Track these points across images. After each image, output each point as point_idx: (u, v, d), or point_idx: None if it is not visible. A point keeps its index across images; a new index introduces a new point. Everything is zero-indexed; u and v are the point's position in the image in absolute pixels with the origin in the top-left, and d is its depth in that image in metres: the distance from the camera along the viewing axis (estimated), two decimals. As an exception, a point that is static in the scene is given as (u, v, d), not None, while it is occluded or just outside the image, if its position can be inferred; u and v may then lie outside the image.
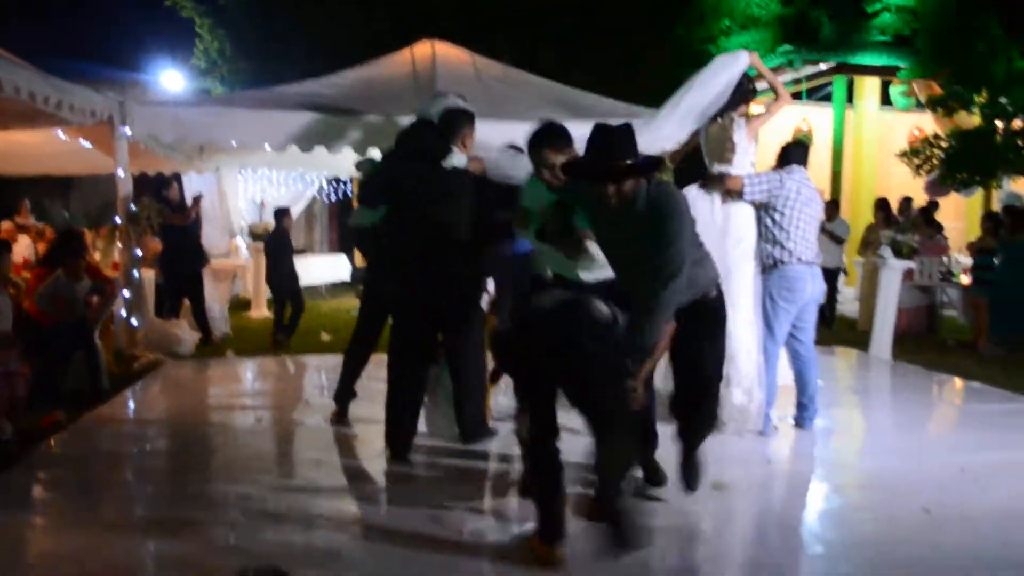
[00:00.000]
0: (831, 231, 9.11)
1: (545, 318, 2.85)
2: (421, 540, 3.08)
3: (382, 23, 14.20)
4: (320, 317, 9.38)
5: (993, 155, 9.44)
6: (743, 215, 4.63)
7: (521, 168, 3.84)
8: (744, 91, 4.91)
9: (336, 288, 12.97)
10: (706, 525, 2.83)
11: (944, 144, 10.05)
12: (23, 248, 9.20)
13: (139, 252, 6.99)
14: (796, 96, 13.00)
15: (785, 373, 4.79)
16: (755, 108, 5.10)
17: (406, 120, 6.06)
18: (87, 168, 9.96)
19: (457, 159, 4.07)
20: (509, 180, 4.00)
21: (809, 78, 13.52)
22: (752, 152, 4.84)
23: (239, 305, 10.24)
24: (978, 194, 11.89)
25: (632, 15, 13.79)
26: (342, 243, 16.71)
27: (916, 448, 4.52)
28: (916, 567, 2.85)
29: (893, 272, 7.28)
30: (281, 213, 8.37)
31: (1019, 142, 9.52)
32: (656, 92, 6.28)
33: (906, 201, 9.91)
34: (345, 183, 14.12)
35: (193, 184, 9.89)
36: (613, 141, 2.95)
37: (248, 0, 15.50)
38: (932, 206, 9.91)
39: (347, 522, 3.38)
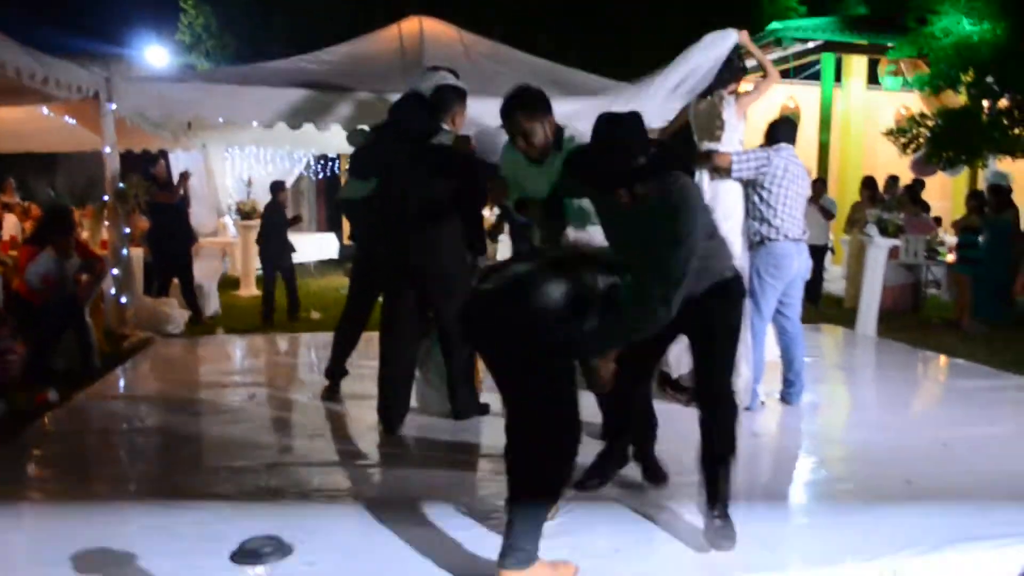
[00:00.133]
0: (823, 205, 9.23)
1: (483, 301, 2.65)
2: (416, 513, 3.13)
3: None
4: (309, 295, 9.38)
5: (978, 134, 9.50)
6: (731, 192, 4.67)
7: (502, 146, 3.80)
8: (735, 69, 4.93)
9: (324, 266, 12.96)
10: (694, 496, 2.90)
11: (930, 123, 10.12)
12: (10, 227, 9.15)
13: (127, 230, 6.97)
14: (784, 74, 13.01)
15: (772, 349, 4.85)
16: (744, 86, 5.12)
17: (394, 96, 6.07)
18: (72, 145, 9.89)
19: (445, 136, 4.08)
20: (493, 159, 4.00)
21: (797, 56, 13.53)
22: (741, 130, 4.87)
23: (228, 283, 10.23)
24: (964, 173, 11.99)
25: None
26: (330, 221, 16.68)
27: (900, 423, 4.60)
28: (899, 534, 2.92)
29: (879, 250, 7.35)
30: (276, 187, 8.44)
31: (1004, 121, 9.59)
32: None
33: (892, 179, 9.99)
34: (333, 160, 14.08)
35: (180, 162, 9.85)
36: (624, 137, 2.68)
37: (234, -26, 15.36)
38: (918, 184, 10.00)
39: (343, 495, 3.42)
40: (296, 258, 8.58)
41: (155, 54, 16.11)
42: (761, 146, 4.77)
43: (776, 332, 4.83)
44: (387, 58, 7.22)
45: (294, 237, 8.58)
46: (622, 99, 5.98)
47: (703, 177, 4.69)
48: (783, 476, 3.81)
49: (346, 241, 14.41)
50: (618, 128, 2.71)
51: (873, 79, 13.72)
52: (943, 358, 6.38)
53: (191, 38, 16.01)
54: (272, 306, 7.95)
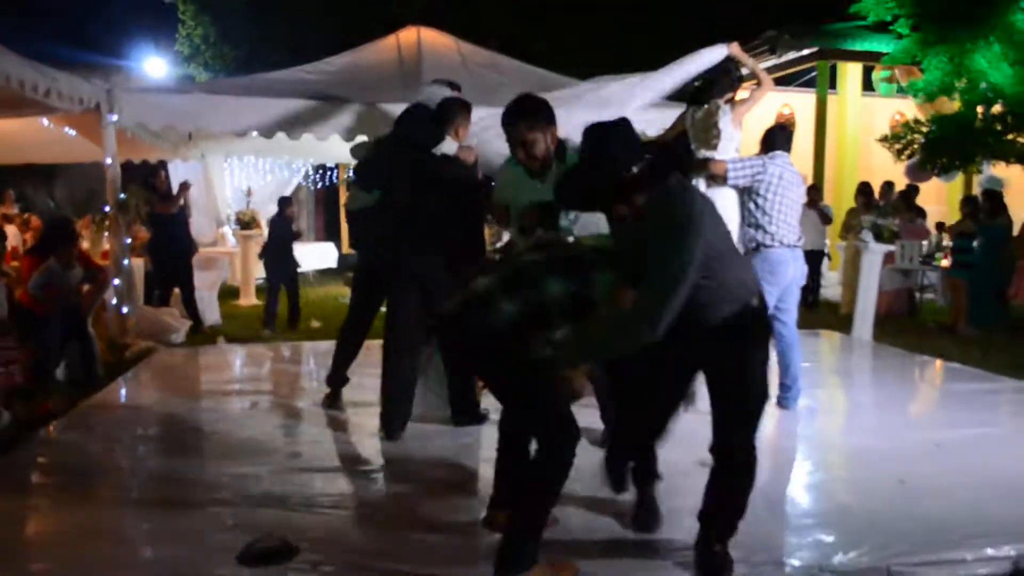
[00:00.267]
0: (822, 209, 9.37)
1: (447, 323, 2.66)
2: (418, 517, 3.18)
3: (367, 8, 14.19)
4: (309, 304, 9.42)
5: (973, 140, 9.57)
6: (727, 199, 4.73)
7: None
8: (732, 79, 5.01)
9: (323, 275, 13.01)
10: (693, 499, 2.93)
11: (924, 129, 10.19)
12: (11, 238, 9.17)
13: (128, 240, 7.02)
14: (779, 82, 13.10)
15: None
16: (740, 94, 5.20)
17: (393, 106, 6.15)
18: (71, 156, 9.95)
19: (448, 146, 4.14)
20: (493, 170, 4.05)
21: (792, 64, 13.62)
22: (737, 139, 4.94)
23: (227, 293, 10.27)
24: (959, 178, 12.06)
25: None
26: (329, 230, 16.75)
27: (895, 426, 4.65)
28: (891, 533, 2.97)
29: (874, 255, 7.42)
30: (284, 202, 8.57)
31: (998, 127, 9.66)
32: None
33: (887, 185, 10.07)
34: (331, 169, 14.14)
35: (179, 172, 9.90)
36: (611, 149, 2.49)
37: (232, -14, 15.45)
38: (912, 190, 10.08)
39: (345, 500, 3.47)
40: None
41: (154, 65, 16.19)
42: (757, 154, 4.84)
43: (773, 338, 4.87)
44: (385, 68, 7.30)
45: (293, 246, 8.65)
46: (621, 104, 6.07)
47: (699, 185, 4.75)
48: (780, 477, 3.85)
49: (345, 250, 14.48)
50: (604, 138, 2.52)
51: (868, 86, 13.81)
52: (938, 362, 6.44)
53: (190, 49, 16.10)
54: (275, 316, 8.00)
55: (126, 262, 6.87)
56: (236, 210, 11.06)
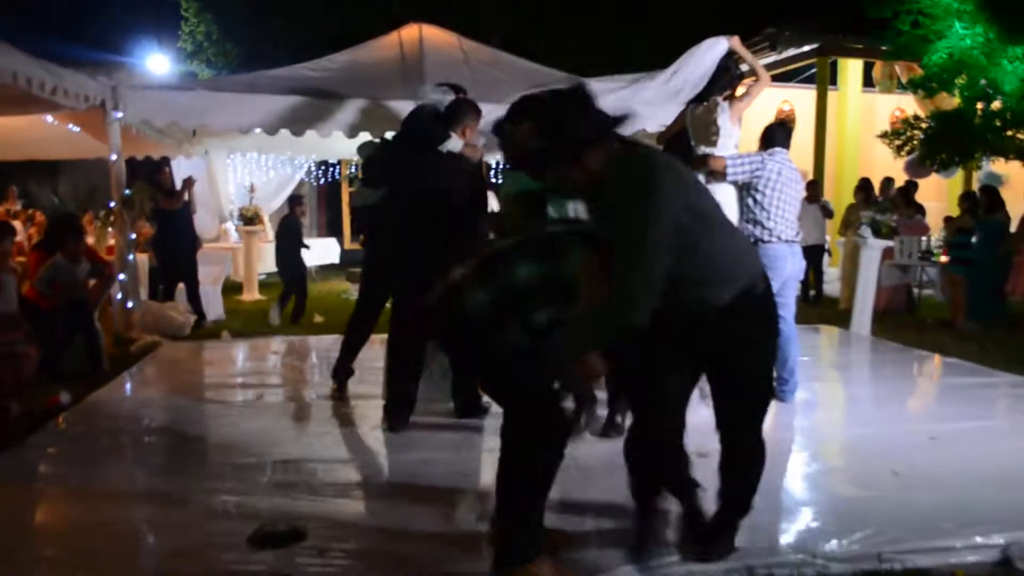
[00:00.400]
0: (824, 205, 9.47)
1: (429, 312, 2.61)
2: (421, 505, 3.24)
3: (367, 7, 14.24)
4: (312, 300, 9.49)
5: (972, 136, 9.61)
6: (726, 195, 4.79)
7: None
8: (731, 76, 5.07)
9: (325, 271, 13.08)
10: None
11: (924, 125, 10.23)
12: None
13: (133, 236, 7.09)
14: (780, 78, 13.13)
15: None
16: (738, 91, 5.25)
17: (396, 103, 6.21)
18: (74, 152, 10.02)
19: (454, 144, 4.22)
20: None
21: (792, 60, 13.66)
22: (736, 135, 5.00)
23: (230, 288, 10.34)
24: (959, 174, 12.10)
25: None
26: (331, 226, 16.81)
27: (890, 419, 4.71)
28: (884, 522, 3.04)
29: (872, 251, 7.47)
30: (295, 200, 8.84)
31: (997, 123, 9.70)
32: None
33: (887, 181, 10.13)
34: (333, 166, 14.19)
35: (183, 168, 9.96)
36: (557, 112, 2.29)
37: (235, -18, 15.50)
38: (912, 186, 10.13)
39: (350, 490, 3.54)
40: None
41: (157, 62, 16.24)
42: (757, 150, 4.90)
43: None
44: (388, 65, 7.34)
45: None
46: (622, 103, 6.13)
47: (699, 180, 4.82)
48: (776, 468, 3.87)
49: (347, 246, 14.56)
50: (545, 100, 2.31)
51: (868, 82, 13.85)
52: (936, 357, 6.50)
53: (192, 46, 16.14)
54: (284, 307, 8.27)
55: (131, 257, 6.94)
56: (239, 206, 11.12)
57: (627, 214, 2.19)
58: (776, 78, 11.65)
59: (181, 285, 8.03)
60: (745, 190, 4.78)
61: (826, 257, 10.17)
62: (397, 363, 4.27)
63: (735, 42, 5.24)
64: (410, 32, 7.95)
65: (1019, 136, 9.13)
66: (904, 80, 12.51)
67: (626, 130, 2.38)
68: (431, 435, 4.25)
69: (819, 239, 9.66)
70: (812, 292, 9.97)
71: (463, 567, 2.71)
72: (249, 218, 10.42)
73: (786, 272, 4.76)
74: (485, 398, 4.55)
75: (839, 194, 12.29)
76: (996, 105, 9.33)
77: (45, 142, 8.79)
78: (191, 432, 4.45)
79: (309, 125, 6.57)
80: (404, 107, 5.71)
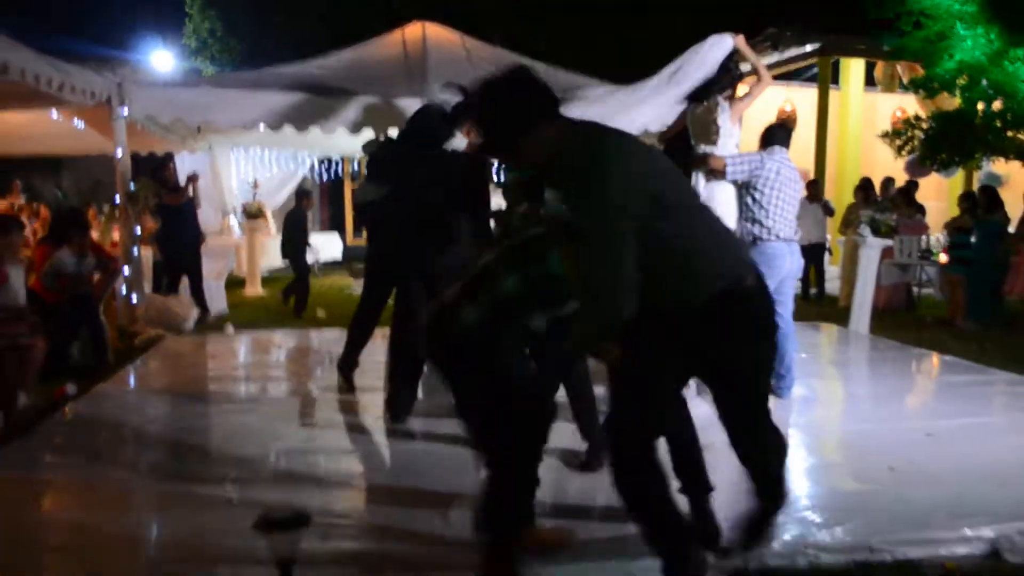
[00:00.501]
0: (825, 204, 9.53)
1: (426, 324, 2.58)
2: (422, 494, 3.31)
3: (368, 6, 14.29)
4: (314, 294, 9.54)
5: (972, 136, 9.65)
6: (726, 194, 4.84)
7: None
8: (733, 76, 5.11)
9: (328, 266, 13.14)
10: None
11: (924, 125, 10.27)
12: (21, 227, 9.28)
13: (138, 230, 7.15)
14: (781, 77, 13.16)
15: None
16: (739, 90, 5.30)
17: (399, 101, 6.27)
18: (77, 148, 10.06)
19: (458, 142, 4.28)
20: None
21: (794, 60, 13.69)
22: (736, 135, 5.05)
23: (234, 283, 10.40)
24: (960, 174, 12.13)
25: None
26: (333, 221, 16.87)
27: (888, 415, 4.75)
28: (877, 515, 3.09)
29: (872, 250, 7.51)
30: (302, 194, 9.01)
31: (998, 123, 9.74)
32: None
33: (887, 181, 10.17)
34: (336, 162, 14.24)
35: (186, 164, 10.02)
36: (497, 96, 2.28)
37: (239, -21, 15.55)
38: (912, 186, 10.17)
39: (353, 479, 3.61)
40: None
41: (161, 58, 16.30)
42: (757, 150, 4.94)
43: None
44: (391, 63, 7.40)
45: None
46: (623, 104, 6.20)
47: (699, 179, 4.87)
48: (773, 464, 3.96)
49: (349, 242, 14.61)
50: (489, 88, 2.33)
51: (870, 81, 13.87)
52: (934, 355, 6.53)
53: (196, 42, 16.21)
54: (290, 296, 8.47)
55: (136, 252, 6.99)
56: (243, 201, 11.19)
57: (577, 192, 2.00)
58: (778, 77, 11.69)
59: (185, 279, 8.09)
60: (744, 189, 4.83)
61: (827, 255, 10.21)
62: (398, 357, 4.33)
63: (740, 40, 5.28)
64: (413, 30, 8.00)
65: (1019, 136, 9.17)
66: (906, 80, 12.54)
67: (614, 123, 2.30)
68: (431, 426, 4.30)
69: (820, 238, 9.75)
70: (813, 290, 10.03)
71: (463, 555, 2.77)
72: (252, 213, 10.48)
73: (784, 270, 4.81)
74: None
75: (840, 193, 12.32)
76: (997, 105, 9.37)
77: (48, 137, 8.85)
78: (194, 424, 4.50)
79: (312, 121, 6.63)
80: (407, 104, 5.77)
